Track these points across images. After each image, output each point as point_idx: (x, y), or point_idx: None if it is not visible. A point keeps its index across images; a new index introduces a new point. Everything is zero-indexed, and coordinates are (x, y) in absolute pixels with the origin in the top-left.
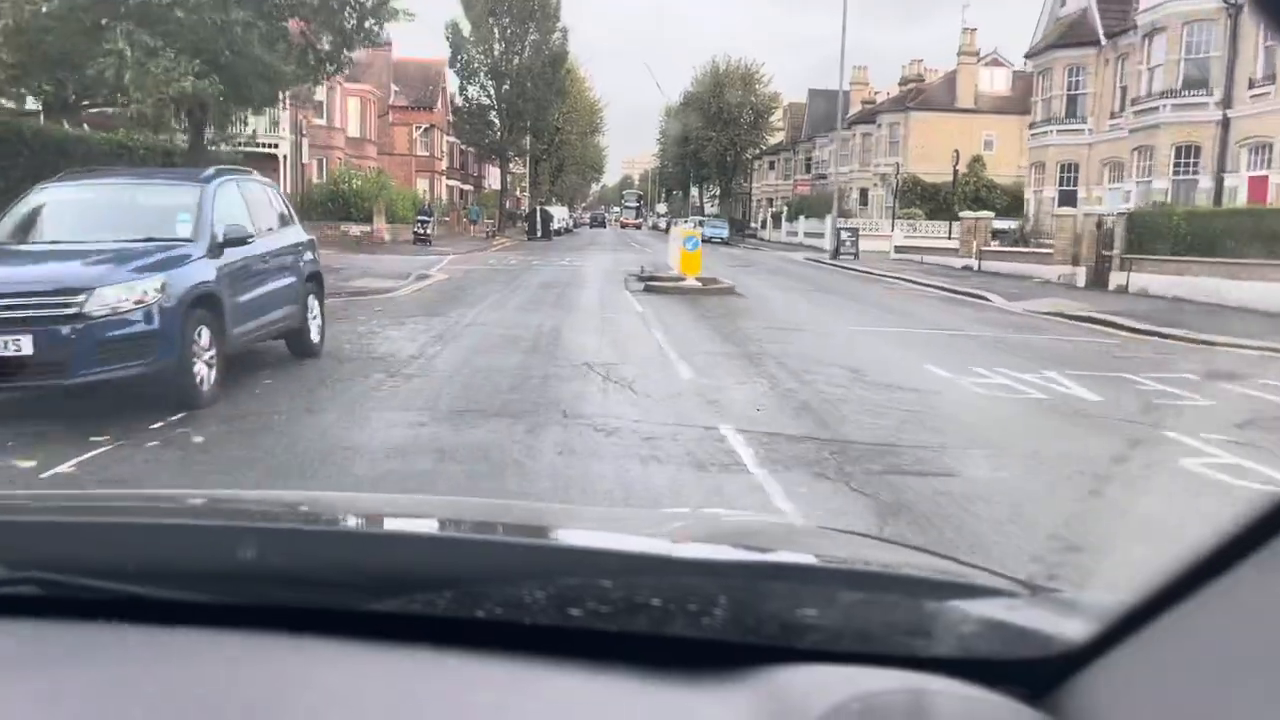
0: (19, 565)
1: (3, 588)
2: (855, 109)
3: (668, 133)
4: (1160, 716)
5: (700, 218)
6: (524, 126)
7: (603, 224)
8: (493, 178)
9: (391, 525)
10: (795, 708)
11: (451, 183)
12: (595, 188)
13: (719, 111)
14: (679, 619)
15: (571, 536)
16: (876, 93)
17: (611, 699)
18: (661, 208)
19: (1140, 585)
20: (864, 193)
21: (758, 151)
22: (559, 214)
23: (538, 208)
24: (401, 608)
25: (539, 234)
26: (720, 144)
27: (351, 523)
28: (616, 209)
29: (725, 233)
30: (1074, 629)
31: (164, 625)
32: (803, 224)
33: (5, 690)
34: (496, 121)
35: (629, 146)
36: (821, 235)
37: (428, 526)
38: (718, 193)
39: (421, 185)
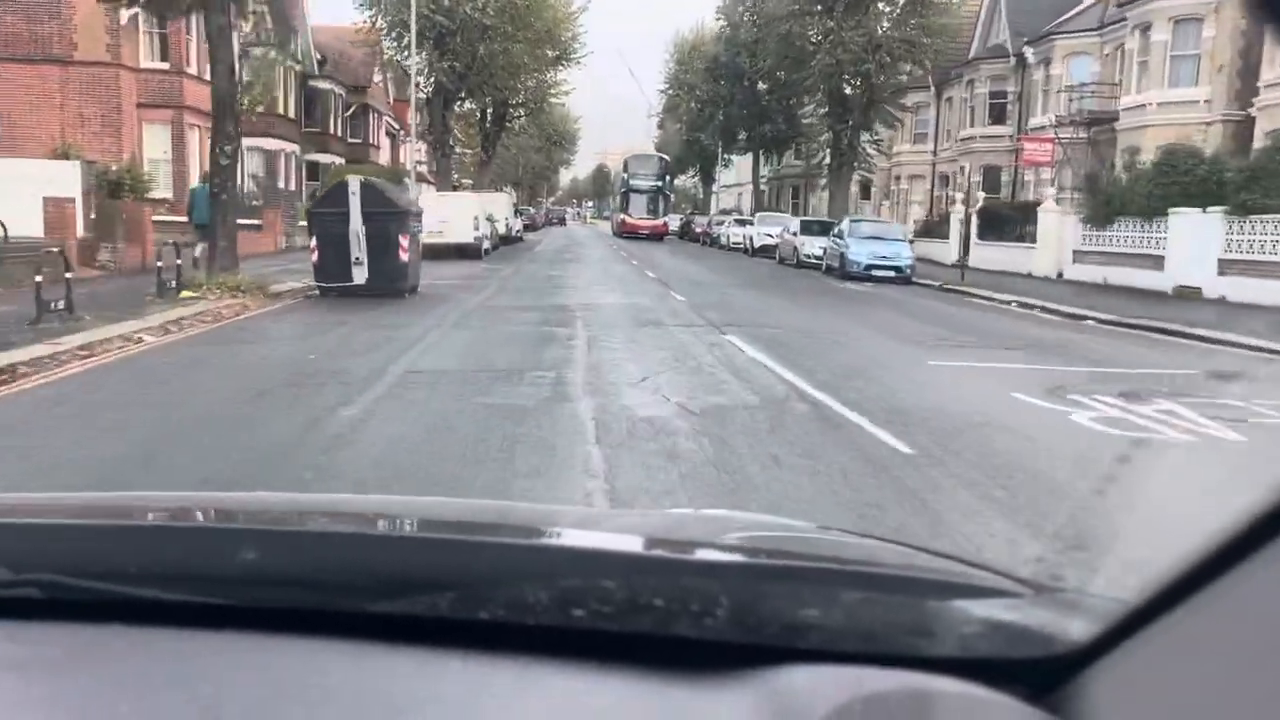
0: (21, 568)
1: (5, 590)
2: None
3: (682, 76)
4: (1163, 716)
5: (819, 219)
6: None
7: (563, 222)
8: (398, 151)
9: (394, 527)
10: (798, 708)
11: (274, 143)
12: (565, 176)
13: None
14: (682, 619)
15: (575, 537)
16: None
17: (614, 699)
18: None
19: (1143, 585)
20: None
21: (927, 72)
22: (464, 210)
23: (350, 181)
24: (404, 609)
25: (360, 277)
26: (847, 49)
27: (354, 524)
28: (591, 203)
29: (907, 257)
30: (1077, 629)
31: (166, 627)
32: (1195, 231)
33: (7, 693)
34: None
35: (601, 138)
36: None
37: (431, 528)
38: (798, 167)
39: (155, 143)
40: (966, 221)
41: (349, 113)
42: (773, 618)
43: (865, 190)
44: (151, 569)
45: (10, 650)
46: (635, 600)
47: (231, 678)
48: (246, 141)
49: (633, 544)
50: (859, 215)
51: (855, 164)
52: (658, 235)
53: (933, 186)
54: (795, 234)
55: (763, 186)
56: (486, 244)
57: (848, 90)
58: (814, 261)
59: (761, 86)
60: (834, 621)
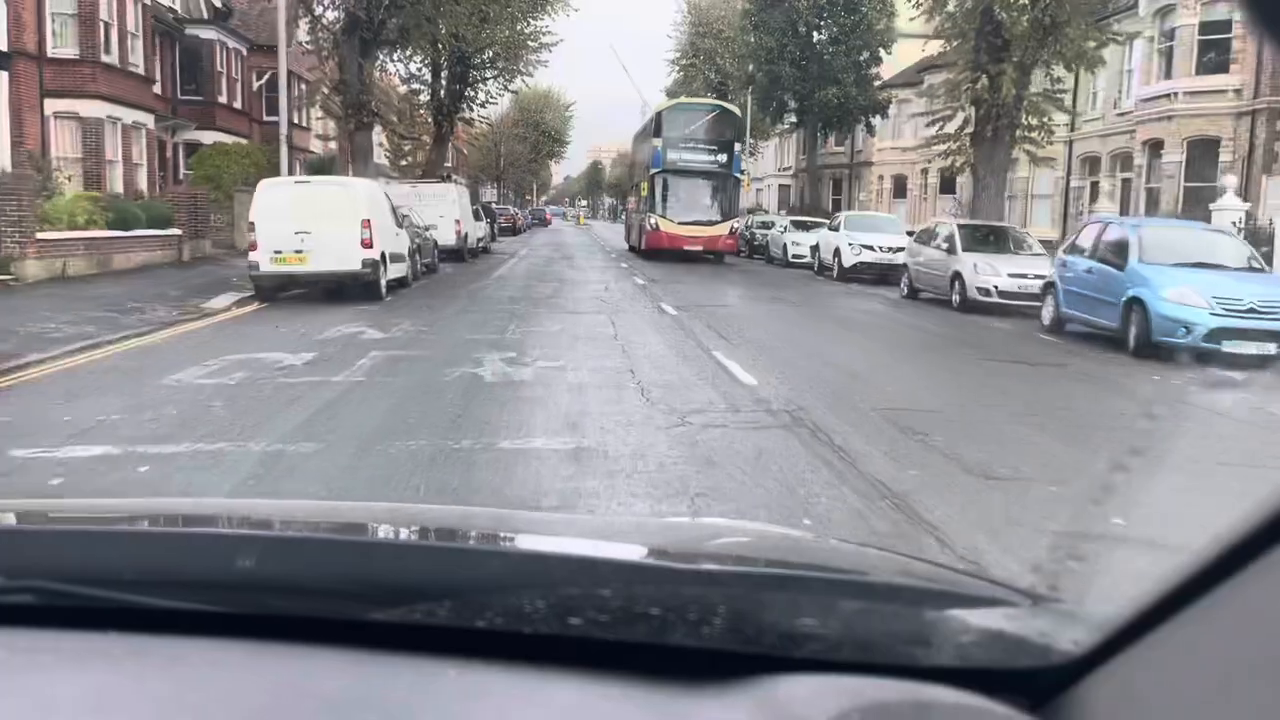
0: (17, 574)
1: (0, 596)
2: None
3: (700, 42)
4: None
5: (986, 225)
6: None
7: (544, 222)
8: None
9: (392, 535)
10: (796, 717)
11: (98, 108)
12: (558, 174)
13: None
14: (679, 628)
15: (572, 546)
16: None
17: (611, 708)
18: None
19: (1140, 595)
20: None
21: None
22: (346, 212)
23: None
24: (401, 617)
25: None
26: None
27: (352, 532)
28: (585, 202)
29: None
30: (1073, 638)
31: (162, 634)
32: None
33: (2, 700)
34: None
35: (593, 137)
36: None
37: (428, 536)
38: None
39: None
40: None
41: (263, 81)
42: (770, 627)
43: (947, 184)
44: (148, 575)
45: (6, 657)
46: (632, 609)
47: (227, 685)
48: (49, 105)
49: (630, 552)
50: (1155, 219)
51: (1029, 125)
52: (714, 252)
53: (1068, 174)
54: (945, 248)
55: (787, 181)
56: (401, 270)
57: (1000, 14)
58: (1001, 303)
59: (820, 36)
60: (832, 631)
